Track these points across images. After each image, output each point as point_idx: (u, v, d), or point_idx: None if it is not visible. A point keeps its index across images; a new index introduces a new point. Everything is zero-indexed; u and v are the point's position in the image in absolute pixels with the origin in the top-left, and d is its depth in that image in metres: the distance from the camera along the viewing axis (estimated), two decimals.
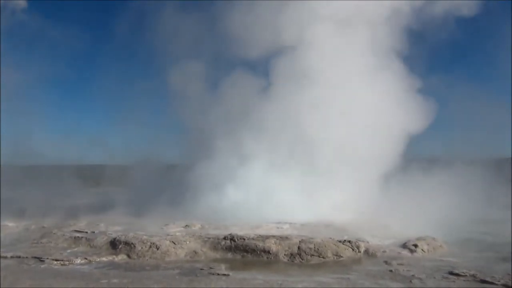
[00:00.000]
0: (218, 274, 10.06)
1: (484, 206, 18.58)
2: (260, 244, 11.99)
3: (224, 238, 12.47)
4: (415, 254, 11.86)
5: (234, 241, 12.28)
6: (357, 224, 15.02)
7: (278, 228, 14.37)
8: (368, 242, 12.57)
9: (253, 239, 12.26)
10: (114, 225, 15.43)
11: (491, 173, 20.99)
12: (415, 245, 12.15)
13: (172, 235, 13.01)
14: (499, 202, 19.98)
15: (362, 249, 12.03)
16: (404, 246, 12.29)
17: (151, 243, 12.20)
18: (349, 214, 16.28)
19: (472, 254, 11.98)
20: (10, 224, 16.66)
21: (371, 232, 14.01)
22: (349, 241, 12.17)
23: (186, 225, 14.85)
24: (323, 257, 11.55)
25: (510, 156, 23.73)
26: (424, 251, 12.00)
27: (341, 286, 9.19)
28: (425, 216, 15.77)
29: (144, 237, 12.65)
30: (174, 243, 12.26)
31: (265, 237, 12.30)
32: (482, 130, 24.89)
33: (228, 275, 10.02)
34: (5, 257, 11.71)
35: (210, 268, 10.63)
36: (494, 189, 20.25)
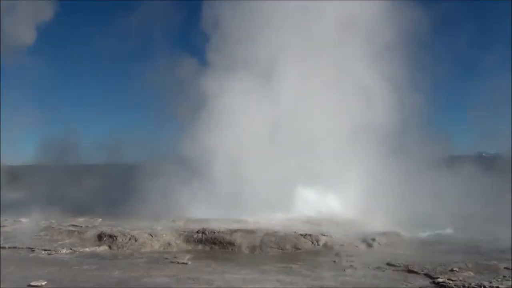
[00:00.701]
0: (177, 263, 11.23)
1: (475, 202, 18.89)
2: (227, 237, 13.09)
3: (197, 231, 13.63)
4: (371, 247, 12.64)
5: (205, 234, 13.43)
6: (336, 220, 15.85)
7: (256, 223, 15.32)
8: (331, 236, 13.38)
9: (222, 232, 13.37)
10: (110, 220, 16.87)
11: (483, 169, 21.29)
12: (373, 239, 12.90)
13: (152, 229, 14.25)
14: (493, 199, 20.08)
15: (322, 243, 12.90)
16: (363, 240, 13.05)
17: (131, 235, 13.51)
18: (341, 210, 17.16)
19: (426, 247, 12.64)
20: (24, 220, 18.41)
21: (344, 227, 14.83)
22: (310, 235, 13.08)
23: (173, 220, 16.10)
24: (281, 249, 12.53)
25: (511, 156, 23.60)
26: (380, 245, 12.76)
27: (278, 273, 10.16)
28: (410, 213, 16.42)
29: (127, 230, 14.00)
30: (152, 236, 13.53)
31: (233, 231, 13.39)
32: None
33: (186, 263, 11.17)
34: (4, 248, 13.27)
35: (175, 257, 11.80)
36: (486, 185, 20.51)
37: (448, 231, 15.06)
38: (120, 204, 19.59)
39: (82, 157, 28.61)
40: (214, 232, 13.38)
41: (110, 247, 13.27)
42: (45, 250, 12.88)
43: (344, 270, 10.29)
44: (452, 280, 9.15)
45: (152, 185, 19.43)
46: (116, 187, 23.78)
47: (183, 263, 11.23)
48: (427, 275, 9.61)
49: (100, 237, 13.97)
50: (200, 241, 13.35)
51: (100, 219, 17.20)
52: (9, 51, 26.12)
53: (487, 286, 8.65)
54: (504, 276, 9.36)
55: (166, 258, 11.75)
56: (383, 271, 10.13)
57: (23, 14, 25.47)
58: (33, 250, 12.91)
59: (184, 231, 13.88)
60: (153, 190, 19.76)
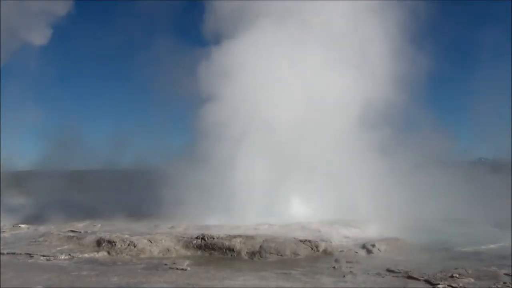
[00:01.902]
0: (176, 269, 11.16)
1: (475, 207, 18.88)
2: (226, 243, 13.05)
3: (196, 237, 13.58)
4: (371, 254, 12.59)
5: (205, 240, 13.38)
6: (336, 225, 15.79)
7: (255, 229, 15.26)
8: (331, 242, 13.34)
9: (221, 238, 13.32)
10: (109, 226, 16.87)
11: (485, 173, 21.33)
12: (373, 245, 12.86)
13: (151, 235, 14.19)
14: (492, 204, 20.03)
15: (321, 249, 12.85)
16: (363, 246, 13.01)
17: (130, 241, 13.46)
18: (338, 215, 17.09)
19: (427, 254, 12.56)
20: (22, 226, 18.41)
21: (344, 233, 14.87)
22: (309, 241, 13.05)
23: (172, 226, 16.07)
24: (281, 255, 12.48)
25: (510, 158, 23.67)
26: (380, 251, 12.69)
27: (278, 279, 10.12)
28: (409, 217, 16.40)
29: (126, 236, 13.94)
30: (151, 242, 13.47)
31: (232, 237, 13.34)
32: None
33: (185, 269, 11.11)
34: (2, 254, 13.21)
35: (174, 263, 11.73)
36: (488, 191, 20.50)
37: (446, 237, 14.94)
38: (121, 210, 19.65)
39: (86, 159, 28.57)
40: (214, 238, 13.34)
41: (109, 253, 13.21)
42: (43, 256, 12.83)
43: (344, 276, 10.25)
44: (452, 287, 9.13)
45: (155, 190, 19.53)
46: (117, 193, 23.87)
47: (182, 269, 11.18)
48: (427, 281, 9.57)
49: (99, 242, 13.90)
50: (199, 247, 13.30)
51: (99, 225, 17.23)
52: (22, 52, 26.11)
53: None
54: (505, 283, 9.34)
55: (165, 264, 11.70)
56: (383, 277, 10.10)
57: (37, 14, 25.38)
58: (32, 256, 12.86)
59: (183, 237, 13.84)
60: (155, 195, 19.84)
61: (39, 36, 25.73)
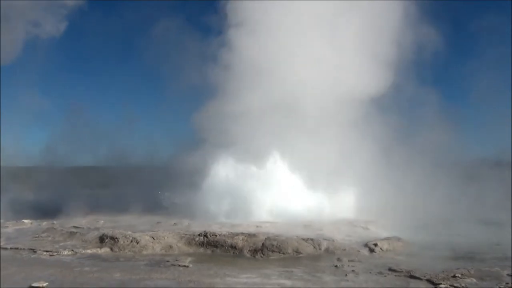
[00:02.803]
0: (178, 266, 11.19)
1: (477, 207, 18.83)
2: (229, 241, 13.07)
3: (199, 234, 13.60)
4: (373, 252, 12.57)
5: (207, 237, 13.40)
6: (338, 224, 15.78)
7: (257, 226, 15.27)
8: (333, 240, 13.30)
9: (223, 235, 13.35)
10: (112, 222, 16.92)
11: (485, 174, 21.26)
12: (375, 244, 12.84)
13: (154, 231, 14.22)
14: (495, 204, 19.93)
15: (323, 247, 12.82)
16: (366, 245, 13.00)
17: (132, 238, 13.49)
18: (341, 214, 17.10)
19: (429, 253, 12.52)
20: (26, 221, 18.47)
21: (346, 232, 14.83)
22: (312, 239, 13.03)
23: (174, 223, 16.10)
24: (283, 253, 12.48)
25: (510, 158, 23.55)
26: (382, 250, 12.68)
27: (279, 277, 10.13)
28: (412, 216, 16.37)
29: (128, 232, 13.97)
30: (153, 238, 13.51)
31: (235, 234, 13.36)
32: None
33: (187, 266, 11.14)
34: (5, 249, 13.27)
35: (176, 260, 11.74)
36: (488, 191, 20.39)
37: (446, 237, 14.88)
38: (124, 206, 19.69)
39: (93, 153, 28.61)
40: (216, 235, 13.36)
41: (111, 249, 13.25)
42: (46, 251, 12.89)
43: (346, 275, 10.25)
44: (455, 287, 9.13)
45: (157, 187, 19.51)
46: (121, 189, 23.91)
47: (184, 266, 11.20)
48: (429, 281, 9.56)
49: (101, 239, 13.94)
50: (201, 244, 13.32)
51: (102, 221, 17.28)
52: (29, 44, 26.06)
53: None
54: (507, 283, 9.32)
55: (168, 261, 11.72)
56: (385, 276, 10.09)
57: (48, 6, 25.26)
58: (35, 251, 12.92)
59: (186, 234, 13.86)
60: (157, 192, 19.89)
61: (50, 28, 25.65)
